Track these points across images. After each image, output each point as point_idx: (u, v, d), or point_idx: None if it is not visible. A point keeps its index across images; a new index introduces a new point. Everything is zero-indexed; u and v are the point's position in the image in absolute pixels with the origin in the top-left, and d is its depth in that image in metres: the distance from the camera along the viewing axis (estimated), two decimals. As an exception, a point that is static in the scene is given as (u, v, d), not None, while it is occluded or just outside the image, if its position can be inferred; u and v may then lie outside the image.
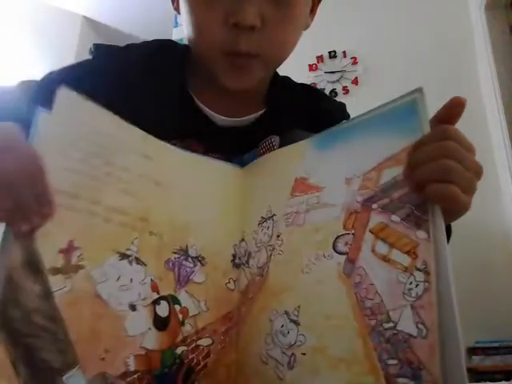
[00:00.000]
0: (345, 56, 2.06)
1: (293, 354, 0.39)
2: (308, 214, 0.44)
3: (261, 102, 0.60)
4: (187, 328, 0.43)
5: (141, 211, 0.43)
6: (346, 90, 2.01)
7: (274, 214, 0.48)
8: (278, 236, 0.46)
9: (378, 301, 0.35)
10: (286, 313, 0.41)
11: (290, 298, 0.42)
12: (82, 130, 0.41)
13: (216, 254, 0.48)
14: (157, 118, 0.48)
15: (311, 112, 0.59)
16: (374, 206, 0.39)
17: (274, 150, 0.56)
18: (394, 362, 0.32)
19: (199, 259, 0.47)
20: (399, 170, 0.37)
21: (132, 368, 0.38)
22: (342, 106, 0.65)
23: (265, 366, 0.41)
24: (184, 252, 0.46)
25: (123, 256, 0.41)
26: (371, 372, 0.33)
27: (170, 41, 0.61)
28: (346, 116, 0.64)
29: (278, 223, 0.47)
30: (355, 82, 1.99)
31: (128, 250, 0.41)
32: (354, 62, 2.05)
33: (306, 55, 2.07)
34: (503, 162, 1.79)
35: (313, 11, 0.57)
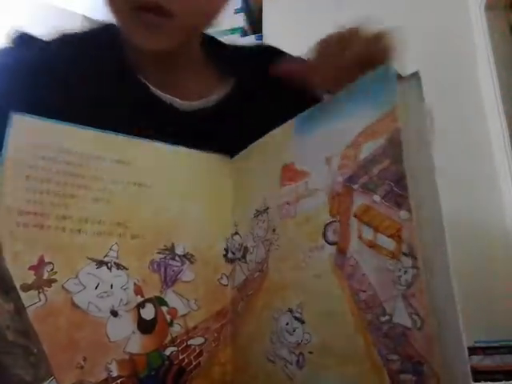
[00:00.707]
0: None
1: (301, 353, 0.37)
2: (298, 203, 0.40)
3: (216, 77, 0.56)
4: (176, 328, 0.43)
5: (118, 216, 0.43)
6: None
7: (269, 207, 0.45)
8: (274, 230, 0.43)
9: (372, 292, 0.32)
10: (290, 310, 0.39)
11: (292, 294, 0.39)
12: (41, 151, 0.41)
13: (206, 249, 0.47)
14: (105, 119, 0.44)
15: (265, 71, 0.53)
16: (355, 186, 0.35)
17: None
18: (395, 357, 0.30)
19: (187, 257, 0.45)
20: (376, 144, 0.34)
21: (114, 373, 0.39)
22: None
23: (272, 366, 0.39)
24: (170, 251, 0.45)
25: (100, 263, 0.41)
26: (374, 370, 0.31)
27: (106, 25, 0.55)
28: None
29: (272, 216, 0.44)
30: None
31: (106, 256, 0.41)
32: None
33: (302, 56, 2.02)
34: (503, 161, 1.73)
35: None
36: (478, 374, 1.38)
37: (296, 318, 0.38)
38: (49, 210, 0.40)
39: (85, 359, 0.38)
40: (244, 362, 0.43)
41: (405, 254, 0.30)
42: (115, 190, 0.44)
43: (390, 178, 0.32)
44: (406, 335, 0.29)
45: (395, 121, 0.32)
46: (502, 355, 1.46)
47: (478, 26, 1.89)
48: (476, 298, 1.53)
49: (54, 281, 0.38)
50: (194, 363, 0.43)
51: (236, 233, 0.48)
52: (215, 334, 0.44)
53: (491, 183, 1.75)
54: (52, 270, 0.39)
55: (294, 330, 0.38)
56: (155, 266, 0.44)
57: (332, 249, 0.36)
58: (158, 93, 0.53)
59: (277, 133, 0.46)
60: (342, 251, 0.35)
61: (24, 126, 0.41)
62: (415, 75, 0.34)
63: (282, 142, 0.44)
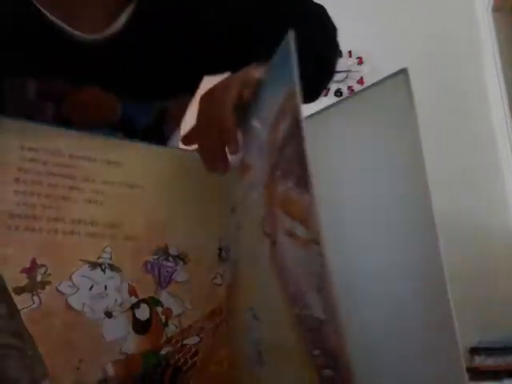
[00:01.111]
0: (350, 56, 2.03)
1: (259, 350, 0.37)
2: (247, 198, 0.41)
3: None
4: (171, 328, 0.43)
5: (110, 218, 0.43)
6: (351, 90, 1.98)
7: (235, 205, 0.45)
8: (239, 227, 0.43)
9: (296, 285, 0.31)
10: (251, 309, 0.39)
11: (252, 294, 0.40)
12: (30, 153, 0.41)
13: (198, 249, 0.47)
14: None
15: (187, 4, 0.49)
16: (278, 172, 0.33)
17: (184, 111, 0.51)
18: (318, 352, 0.29)
19: (181, 257, 0.46)
20: (286, 124, 0.32)
21: (111, 374, 0.39)
22: None
23: (249, 364, 0.40)
24: (163, 252, 0.45)
25: (94, 265, 0.41)
26: (305, 366, 0.30)
27: None
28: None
29: (239, 213, 0.44)
30: (361, 81, 1.97)
31: (99, 258, 0.41)
32: (360, 61, 2.04)
33: None
34: (509, 163, 1.78)
35: None
36: (480, 373, 1.41)
37: (255, 317, 0.38)
38: (40, 213, 0.40)
39: (81, 360, 0.38)
40: (235, 360, 0.43)
41: (313, 242, 0.28)
42: (107, 191, 0.44)
43: (295, 159, 0.30)
44: (322, 329, 0.28)
45: (294, 96, 0.30)
46: (505, 355, 1.48)
47: (484, 27, 1.93)
48: (478, 297, 1.55)
49: (48, 283, 0.38)
50: (190, 362, 0.43)
51: (225, 232, 0.49)
52: (210, 333, 0.44)
53: (496, 183, 1.78)
54: (45, 272, 0.38)
55: (254, 329, 0.38)
56: (149, 266, 0.44)
57: (268, 241, 0.34)
58: (58, 23, 0.46)
59: None
60: (273, 243, 0.33)
61: (11, 129, 0.41)
62: (403, 72, 0.35)
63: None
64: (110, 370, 0.39)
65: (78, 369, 0.37)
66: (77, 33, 0.45)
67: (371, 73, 1.93)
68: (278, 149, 0.33)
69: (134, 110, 0.48)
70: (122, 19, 0.47)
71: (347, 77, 1.99)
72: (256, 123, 0.39)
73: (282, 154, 0.32)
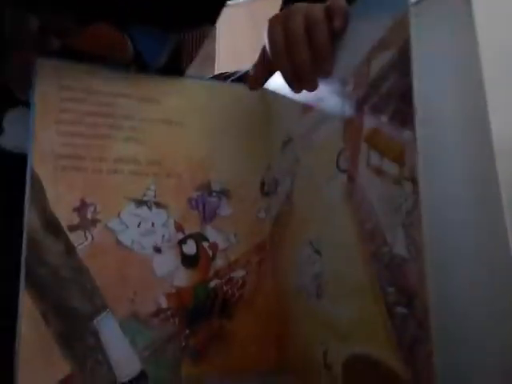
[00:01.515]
0: None
1: (319, 283, 0.37)
2: (315, 132, 0.39)
3: None
4: (218, 262, 0.44)
5: (152, 156, 0.43)
6: None
7: (292, 137, 0.43)
8: (297, 161, 0.42)
9: (376, 222, 0.30)
10: (310, 243, 0.39)
11: (312, 226, 0.39)
12: (69, 93, 0.40)
13: (242, 184, 0.46)
14: None
15: None
16: (366, 107, 0.32)
17: (201, 41, 0.47)
18: (392, 289, 0.28)
19: (224, 192, 0.45)
20: (386, 58, 0.30)
21: (164, 306, 0.40)
22: None
23: (300, 295, 0.40)
24: (206, 188, 0.45)
25: (140, 202, 0.41)
26: (375, 301, 0.30)
27: None
28: None
29: (296, 147, 0.42)
30: None
31: (144, 196, 0.42)
32: None
33: None
34: None
35: None
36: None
37: (315, 251, 0.38)
38: (84, 153, 0.40)
39: (135, 293, 0.39)
40: (283, 292, 0.44)
41: (406, 179, 0.27)
42: (145, 128, 0.43)
43: (397, 94, 0.28)
44: (402, 267, 0.28)
45: (406, 28, 0.28)
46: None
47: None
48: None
49: (98, 221, 0.39)
50: (237, 294, 0.44)
51: (269, 166, 0.47)
52: (256, 267, 0.45)
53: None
54: (95, 210, 0.39)
55: (315, 262, 0.38)
56: (193, 203, 0.44)
57: (344, 177, 0.34)
58: None
59: None
60: (351, 179, 0.33)
61: (49, 70, 0.40)
62: None
63: None
64: (164, 302, 0.40)
65: (132, 301, 0.39)
66: None
67: None
68: (372, 81, 0.31)
69: (147, 47, 0.45)
70: None
71: None
72: (339, 54, 0.36)
73: (375, 88, 0.30)
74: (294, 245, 0.42)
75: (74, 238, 0.38)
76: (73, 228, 0.38)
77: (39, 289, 0.36)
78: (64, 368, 0.35)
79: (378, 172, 0.30)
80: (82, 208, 0.39)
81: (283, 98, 0.45)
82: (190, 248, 0.43)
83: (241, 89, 0.48)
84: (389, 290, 0.28)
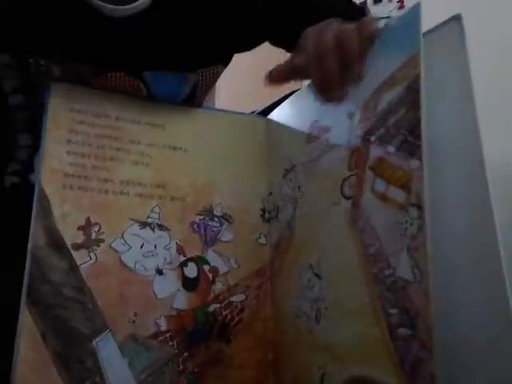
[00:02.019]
0: (390, 0, 1.82)
1: (318, 308, 0.38)
2: (319, 160, 0.40)
3: None
4: (218, 286, 0.44)
5: (157, 179, 0.44)
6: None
7: (295, 165, 0.45)
8: (299, 188, 0.43)
9: (379, 246, 0.32)
10: (311, 266, 0.39)
11: (312, 250, 0.40)
12: (79, 115, 0.42)
13: (243, 210, 0.47)
14: (28, 23, 0.40)
15: None
16: (373, 138, 0.34)
17: (215, 80, 0.49)
18: (395, 311, 0.29)
19: (226, 218, 0.46)
20: (395, 93, 0.32)
21: (163, 328, 0.40)
22: None
23: (299, 320, 0.41)
24: (209, 212, 0.46)
25: (144, 224, 0.42)
26: (376, 323, 0.31)
27: None
28: None
29: (298, 174, 0.44)
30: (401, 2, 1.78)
31: (148, 218, 0.42)
32: (401, 5, 1.85)
33: None
34: None
35: None
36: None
37: (315, 274, 0.38)
38: (91, 173, 0.41)
39: (136, 314, 0.39)
40: (279, 317, 0.45)
41: (412, 205, 0.29)
42: (152, 153, 0.44)
43: (404, 126, 0.31)
44: (406, 289, 0.29)
45: (416, 67, 0.30)
46: None
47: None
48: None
49: (102, 241, 0.40)
50: (236, 319, 0.44)
51: (270, 193, 0.49)
52: (255, 292, 0.45)
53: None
54: (99, 230, 0.40)
55: (314, 286, 0.38)
56: (195, 226, 0.45)
57: (348, 203, 0.35)
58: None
59: (304, 92, 0.45)
60: (355, 205, 0.34)
61: (62, 93, 0.42)
62: (456, 18, 0.31)
63: (310, 98, 0.42)
64: (163, 324, 0.40)
65: (133, 322, 0.39)
66: (104, 5, 0.44)
67: None
68: (380, 115, 0.33)
69: (165, 87, 0.47)
70: None
71: None
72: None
73: (383, 120, 0.33)
74: (293, 270, 0.43)
75: (78, 256, 0.38)
76: (77, 246, 0.39)
77: (40, 307, 0.35)
78: (60, 389, 0.34)
79: (383, 198, 0.32)
80: (87, 227, 0.39)
81: (287, 127, 0.47)
82: (191, 271, 0.43)
83: (244, 118, 0.50)
84: (391, 312, 0.29)
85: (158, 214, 0.43)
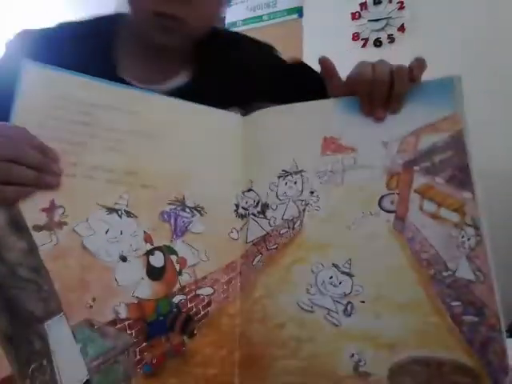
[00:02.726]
0: (390, 1, 1.85)
1: (349, 302, 0.41)
2: (345, 173, 0.45)
3: (186, 66, 0.60)
4: (185, 277, 0.43)
5: (129, 166, 0.43)
6: (391, 39, 1.81)
7: (303, 170, 0.46)
8: (312, 192, 0.45)
9: (434, 253, 0.40)
10: (335, 265, 0.42)
11: (338, 252, 0.43)
12: (55, 100, 0.42)
13: (216, 203, 0.46)
14: None
15: (237, 62, 0.61)
16: (416, 168, 0.43)
17: None
18: (458, 303, 0.37)
19: (198, 209, 0.45)
20: (438, 138, 0.43)
21: (122, 315, 0.39)
22: (267, 47, 0.66)
23: (309, 314, 0.42)
24: (180, 203, 0.45)
25: (111, 210, 0.41)
26: (436, 313, 0.38)
27: (108, 15, 0.61)
28: (275, 57, 0.66)
29: (309, 179, 0.46)
30: (401, 29, 1.79)
31: (116, 204, 0.42)
32: (401, 6, 1.83)
33: (348, 3, 1.92)
34: None
35: None
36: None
37: (343, 273, 0.42)
38: (60, 157, 0.41)
39: (94, 300, 0.38)
40: (264, 313, 0.43)
41: (469, 225, 0.39)
42: (126, 140, 0.44)
43: (452, 165, 0.41)
44: (469, 286, 0.37)
45: (459, 122, 0.42)
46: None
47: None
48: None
49: (65, 223, 0.39)
50: (202, 312, 0.43)
51: (249, 189, 0.48)
52: (224, 286, 0.44)
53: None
54: (63, 213, 0.39)
55: (341, 283, 0.42)
56: (165, 216, 0.44)
57: (389, 216, 0.43)
58: (127, 79, 0.55)
59: (310, 105, 0.48)
60: (400, 218, 0.42)
61: (36, 75, 0.42)
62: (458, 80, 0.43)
63: (321, 114, 0.48)
64: (123, 312, 0.39)
65: (90, 307, 0.38)
66: (145, 86, 0.53)
67: (413, 19, 1.76)
68: (422, 152, 0.43)
69: None
70: (184, 76, 0.59)
71: (387, 24, 1.81)
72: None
73: (427, 156, 0.42)
74: (296, 266, 0.44)
75: (39, 237, 0.38)
76: (39, 228, 0.38)
77: (-6, 285, 0.35)
78: (4, 369, 0.33)
79: (435, 217, 0.41)
80: (50, 209, 0.39)
81: (285, 130, 0.48)
82: (157, 260, 0.42)
83: (221, 113, 0.50)
84: (454, 304, 0.38)
85: (127, 200, 0.42)
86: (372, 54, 1.75)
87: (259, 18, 2.06)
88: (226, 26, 2.17)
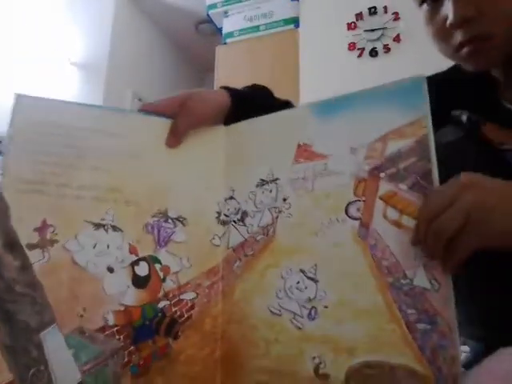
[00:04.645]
0: (386, 11, 1.86)
1: (313, 307, 0.43)
2: (316, 180, 0.46)
3: None
4: (169, 284, 0.47)
5: (113, 183, 0.47)
6: (386, 49, 1.81)
7: (277, 178, 0.48)
8: (285, 200, 0.47)
9: (394, 261, 0.40)
10: (302, 271, 0.44)
11: (305, 257, 0.45)
12: (40, 126, 0.45)
13: (197, 212, 0.49)
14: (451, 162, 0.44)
15: None
16: (382, 174, 0.42)
17: None
18: (413, 311, 0.38)
19: (180, 220, 0.49)
20: (403, 143, 0.42)
21: (111, 322, 0.43)
22: None
23: (277, 318, 0.45)
24: (163, 215, 0.48)
25: (98, 226, 0.45)
26: (393, 320, 0.39)
27: None
28: None
29: (282, 187, 0.48)
30: (397, 39, 1.80)
31: (102, 219, 0.46)
32: (396, 17, 1.84)
33: (344, 14, 1.93)
34: None
35: None
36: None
37: (309, 278, 0.44)
38: (50, 179, 0.44)
39: (84, 309, 0.42)
40: (241, 314, 0.47)
41: None
42: (110, 159, 0.47)
43: (416, 172, 0.40)
44: (424, 295, 0.38)
45: (425, 127, 0.41)
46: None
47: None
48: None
49: (56, 241, 0.43)
50: (185, 315, 0.46)
51: (231, 197, 0.51)
52: (206, 290, 0.48)
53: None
54: (53, 231, 0.43)
55: (306, 288, 0.44)
56: (149, 227, 0.47)
57: (354, 222, 0.43)
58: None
59: (289, 112, 0.51)
60: (365, 225, 0.42)
61: (25, 105, 0.45)
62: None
63: (297, 121, 0.49)
64: (111, 319, 0.43)
65: (81, 316, 0.42)
66: None
67: (408, 30, 1.78)
68: (389, 157, 0.42)
69: None
70: None
71: (382, 35, 1.83)
72: (348, 125, 0.45)
73: (393, 162, 0.42)
74: (269, 271, 0.46)
75: (32, 255, 0.42)
76: (32, 246, 0.42)
77: (-8, 301, 0.39)
78: (6, 376, 0.38)
79: (397, 224, 0.41)
80: (42, 228, 0.43)
81: (264, 139, 0.51)
82: (141, 269, 0.46)
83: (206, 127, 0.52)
84: (409, 311, 0.38)
85: (112, 216, 0.46)
86: (368, 64, 1.81)
87: (256, 28, 2.06)
88: (223, 35, 2.17)
